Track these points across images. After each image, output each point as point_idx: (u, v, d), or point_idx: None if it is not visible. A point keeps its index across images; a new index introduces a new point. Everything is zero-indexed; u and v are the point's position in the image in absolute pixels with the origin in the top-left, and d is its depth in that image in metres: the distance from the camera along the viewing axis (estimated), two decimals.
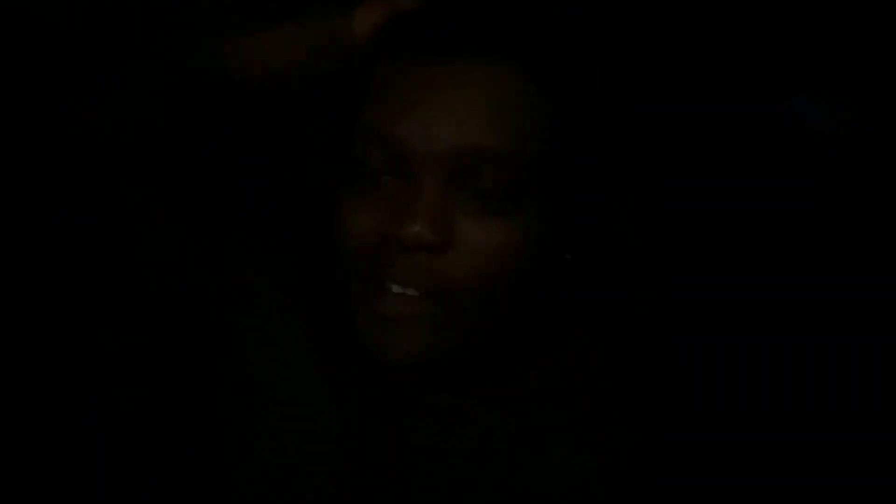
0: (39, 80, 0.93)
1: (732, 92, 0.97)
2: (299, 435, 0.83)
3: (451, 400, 0.80)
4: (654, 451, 0.79)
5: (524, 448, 0.79)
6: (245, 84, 0.82)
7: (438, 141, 0.73)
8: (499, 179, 0.73)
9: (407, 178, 0.74)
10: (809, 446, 0.88)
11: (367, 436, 0.82)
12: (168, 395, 0.97)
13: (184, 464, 0.94)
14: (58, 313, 0.96)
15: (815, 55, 0.97)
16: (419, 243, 0.72)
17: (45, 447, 0.95)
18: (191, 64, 0.83)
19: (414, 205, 0.73)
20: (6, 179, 0.92)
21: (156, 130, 0.82)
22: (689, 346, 0.89)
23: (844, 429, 0.89)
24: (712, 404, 0.87)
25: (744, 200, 0.97)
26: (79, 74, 0.92)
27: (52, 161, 0.85)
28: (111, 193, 0.83)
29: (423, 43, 0.75)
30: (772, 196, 0.97)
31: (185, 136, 0.83)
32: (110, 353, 0.97)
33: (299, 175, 0.99)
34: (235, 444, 0.85)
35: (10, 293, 0.97)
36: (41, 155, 0.86)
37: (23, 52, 0.94)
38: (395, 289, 0.73)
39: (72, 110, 0.82)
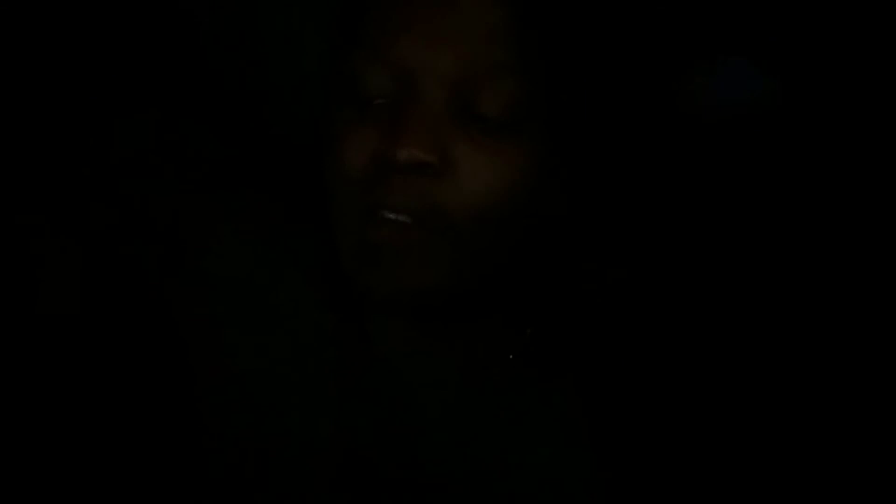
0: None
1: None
2: (275, 380, 0.79)
3: (428, 342, 0.77)
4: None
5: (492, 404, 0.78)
6: None
7: (442, 58, 0.69)
8: (500, 99, 0.70)
9: (406, 100, 0.70)
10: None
11: (344, 376, 0.78)
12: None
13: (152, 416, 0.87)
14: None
15: (728, 24, 0.97)
16: (414, 162, 0.68)
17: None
18: None
19: (410, 123, 0.69)
20: None
21: None
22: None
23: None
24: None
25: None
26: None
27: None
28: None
29: None
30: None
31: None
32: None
33: (287, 102, 0.96)
34: (208, 398, 0.80)
35: None
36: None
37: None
38: (388, 214, 0.70)
39: None
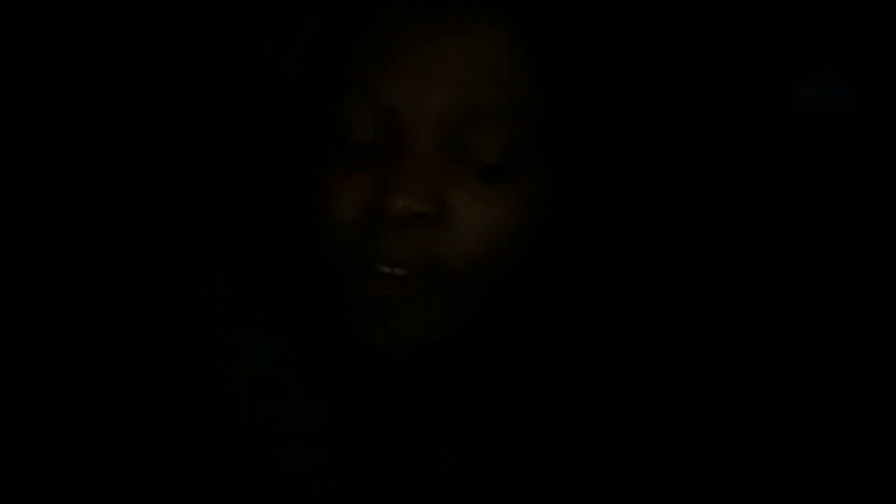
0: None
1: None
2: (271, 432, 0.77)
3: (438, 389, 0.75)
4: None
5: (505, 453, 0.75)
6: None
7: (433, 100, 0.66)
8: (497, 142, 0.66)
9: (396, 145, 0.66)
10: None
11: (348, 429, 0.76)
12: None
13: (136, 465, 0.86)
14: None
15: (816, 32, 0.93)
16: (409, 214, 0.65)
17: None
18: None
19: (403, 172, 0.65)
20: None
21: None
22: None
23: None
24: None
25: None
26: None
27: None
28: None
29: None
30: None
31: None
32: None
33: (273, 147, 0.93)
34: (197, 448, 0.78)
35: None
36: None
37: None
38: (383, 269, 0.66)
39: None
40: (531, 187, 0.68)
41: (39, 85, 0.88)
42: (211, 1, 0.94)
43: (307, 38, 0.90)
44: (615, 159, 0.76)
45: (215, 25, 0.94)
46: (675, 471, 0.75)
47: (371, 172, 0.67)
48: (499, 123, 0.67)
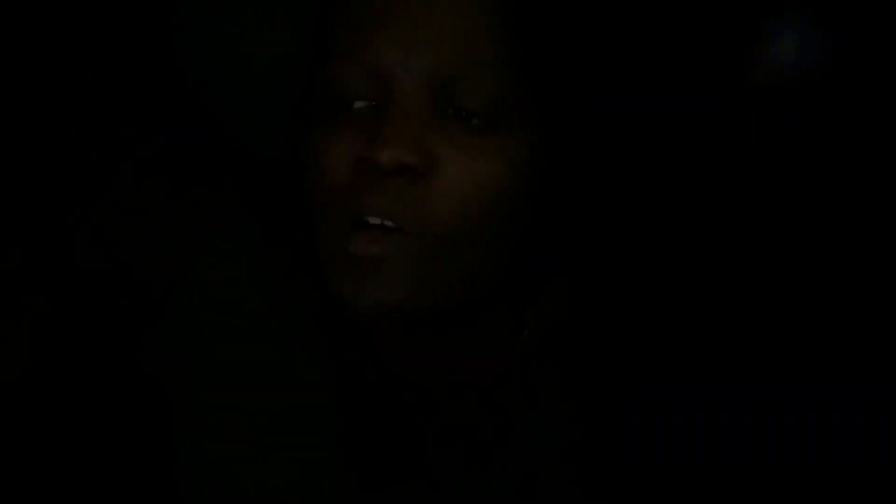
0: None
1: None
2: (260, 407, 0.77)
3: (428, 349, 0.74)
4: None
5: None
6: None
7: (420, 57, 0.67)
8: (484, 96, 0.68)
9: (385, 102, 0.68)
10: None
11: (343, 402, 0.76)
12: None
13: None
14: None
15: None
16: (396, 164, 0.66)
17: None
18: None
19: (391, 125, 0.67)
20: None
21: None
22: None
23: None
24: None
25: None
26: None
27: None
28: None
29: None
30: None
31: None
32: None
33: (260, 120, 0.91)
34: (183, 419, 0.78)
35: None
36: None
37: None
38: (372, 220, 0.67)
39: None
40: (518, 143, 0.69)
41: (37, 84, 0.87)
42: None
43: (292, 9, 0.90)
44: (603, 119, 0.76)
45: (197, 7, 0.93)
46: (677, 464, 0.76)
47: (361, 130, 0.68)
48: (485, 77, 0.68)
